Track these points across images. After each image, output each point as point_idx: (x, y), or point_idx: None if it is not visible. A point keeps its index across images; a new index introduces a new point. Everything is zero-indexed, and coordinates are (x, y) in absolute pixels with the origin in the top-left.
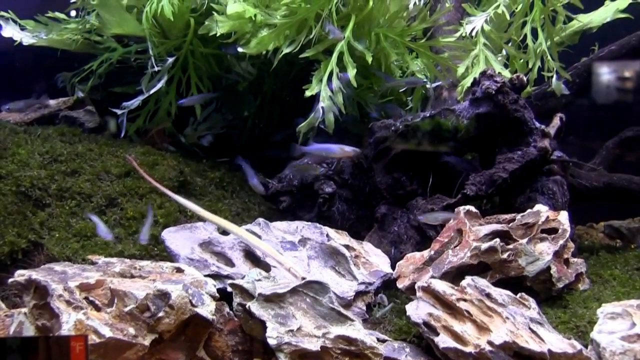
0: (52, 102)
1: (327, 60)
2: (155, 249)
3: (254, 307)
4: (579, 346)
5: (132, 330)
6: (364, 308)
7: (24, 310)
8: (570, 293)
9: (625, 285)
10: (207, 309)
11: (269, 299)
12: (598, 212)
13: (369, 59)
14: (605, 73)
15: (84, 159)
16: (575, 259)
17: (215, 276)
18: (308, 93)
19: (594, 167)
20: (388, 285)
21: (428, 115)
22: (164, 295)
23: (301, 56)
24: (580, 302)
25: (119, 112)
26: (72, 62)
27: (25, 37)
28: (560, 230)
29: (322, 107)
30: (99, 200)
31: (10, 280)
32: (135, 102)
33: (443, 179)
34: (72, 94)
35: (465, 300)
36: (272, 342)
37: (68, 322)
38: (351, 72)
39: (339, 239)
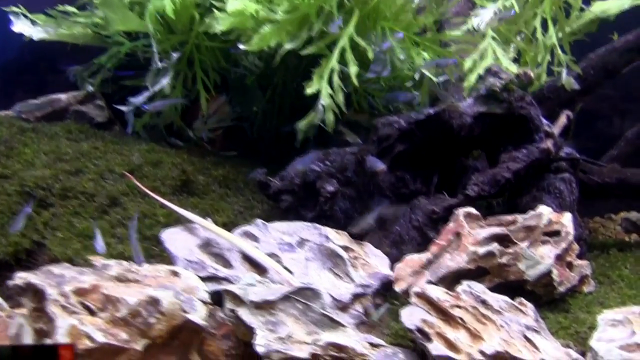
0: (62, 96)
1: (329, 56)
2: (155, 248)
3: (244, 313)
4: (575, 355)
5: (124, 336)
6: (362, 311)
7: (24, 311)
8: (574, 296)
9: (633, 287)
10: (198, 314)
11: (260, 305)
12: (619, 202)
13: (371, 55)
14: None
15: (88, 158)
16: (580, 262)
17: (212, 278)
18: (308, 91)
19: (603, 164)
20: (388, 287)
21: (432, 112)
22: (155, 302)
23: (302, 53)
24: (583, 306)
25: (125, 108)
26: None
27: (35, 32)
28: (563, 233)
29: (323, 105)
30: (102, 200)
31: (11, 283)
32: (141, 99)
33: (448, 178)
34: (82, 87)
35: (459, 307)
36: (260, 349)
37: (63, 327)
38: (352, 70)
39: (338, 240)
